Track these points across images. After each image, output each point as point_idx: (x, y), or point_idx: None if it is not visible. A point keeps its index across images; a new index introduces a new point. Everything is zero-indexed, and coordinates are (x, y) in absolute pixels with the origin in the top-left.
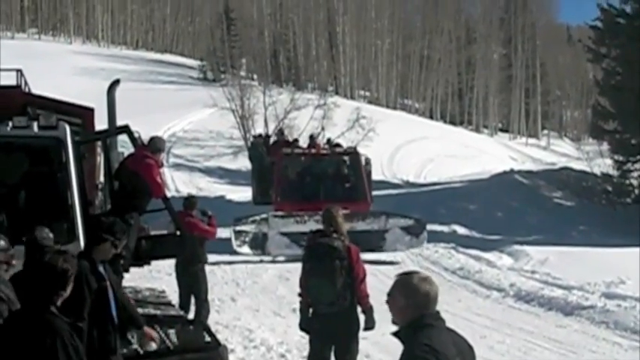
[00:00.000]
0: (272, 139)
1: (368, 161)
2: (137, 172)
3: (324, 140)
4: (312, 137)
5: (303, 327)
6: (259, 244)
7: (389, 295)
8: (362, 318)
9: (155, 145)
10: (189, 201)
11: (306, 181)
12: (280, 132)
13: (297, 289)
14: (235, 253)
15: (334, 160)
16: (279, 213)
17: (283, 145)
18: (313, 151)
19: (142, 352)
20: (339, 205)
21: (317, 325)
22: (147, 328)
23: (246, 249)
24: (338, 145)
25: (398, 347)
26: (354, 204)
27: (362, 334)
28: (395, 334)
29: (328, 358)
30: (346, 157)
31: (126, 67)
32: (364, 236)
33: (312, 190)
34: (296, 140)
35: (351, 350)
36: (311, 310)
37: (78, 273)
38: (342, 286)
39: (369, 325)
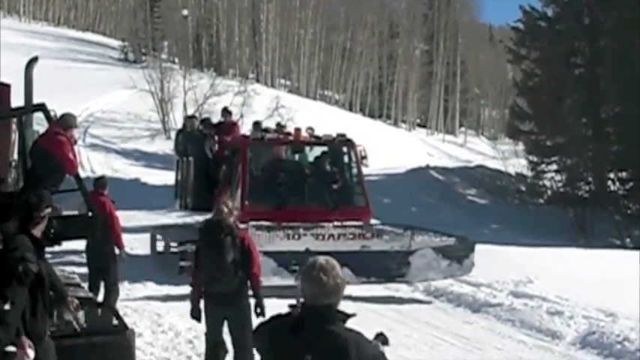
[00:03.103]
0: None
1: (365, 155)
2: (49, 150)
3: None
4: (256, 124)
5: (194, 315)
6: None
7: None
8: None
9: (66, 122)
10: (100, 181)
11: (283, 180)
12: (226, 111)
13: None
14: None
15: (321, 151)
16: (262, 223)
17: (231, 129)
18: (291, 137)
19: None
20: (331, 212)
21: (209, 304)
22: (69, 298)
23: None
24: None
25: None
26: (351, 211)
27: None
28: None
29: (221, 339)
30: (337, 148)
31: (46, 43)
32: (379, 259)
33: (293, 193)
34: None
35: (245, 330)
36: (203, 291)
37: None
38: (232, 261)
39: (258, 311)
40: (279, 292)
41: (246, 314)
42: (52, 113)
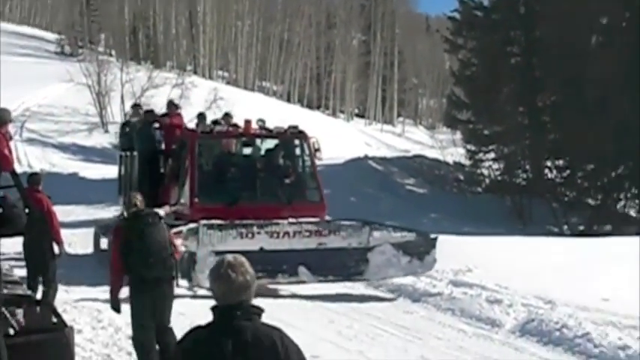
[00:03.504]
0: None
1: (318, 147)
2: None
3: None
4: (201, 116)
5: (114, 307)
6: (184, 269)
7: None
8: None
9: (1, 117)
10: (34, 177)
11: (234, 175)
12: (172, 104)
13: None
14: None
15: (273, 144)
16: (214, 222)
17: (178, 122)
18: (240, 130)
19: None
20: (285, 208)
21: (140, 293)
22: None
23: None
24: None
25: None
26: (305, 207)
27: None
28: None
29: (154, 327)
30: (290, 141)
31: None
32: (337, 256)
33: (244, 188)
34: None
35: (169, 311)
36: (130, 282)
37: None
38: (170, 244)
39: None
40: None
41: (172, 297)
42: None
